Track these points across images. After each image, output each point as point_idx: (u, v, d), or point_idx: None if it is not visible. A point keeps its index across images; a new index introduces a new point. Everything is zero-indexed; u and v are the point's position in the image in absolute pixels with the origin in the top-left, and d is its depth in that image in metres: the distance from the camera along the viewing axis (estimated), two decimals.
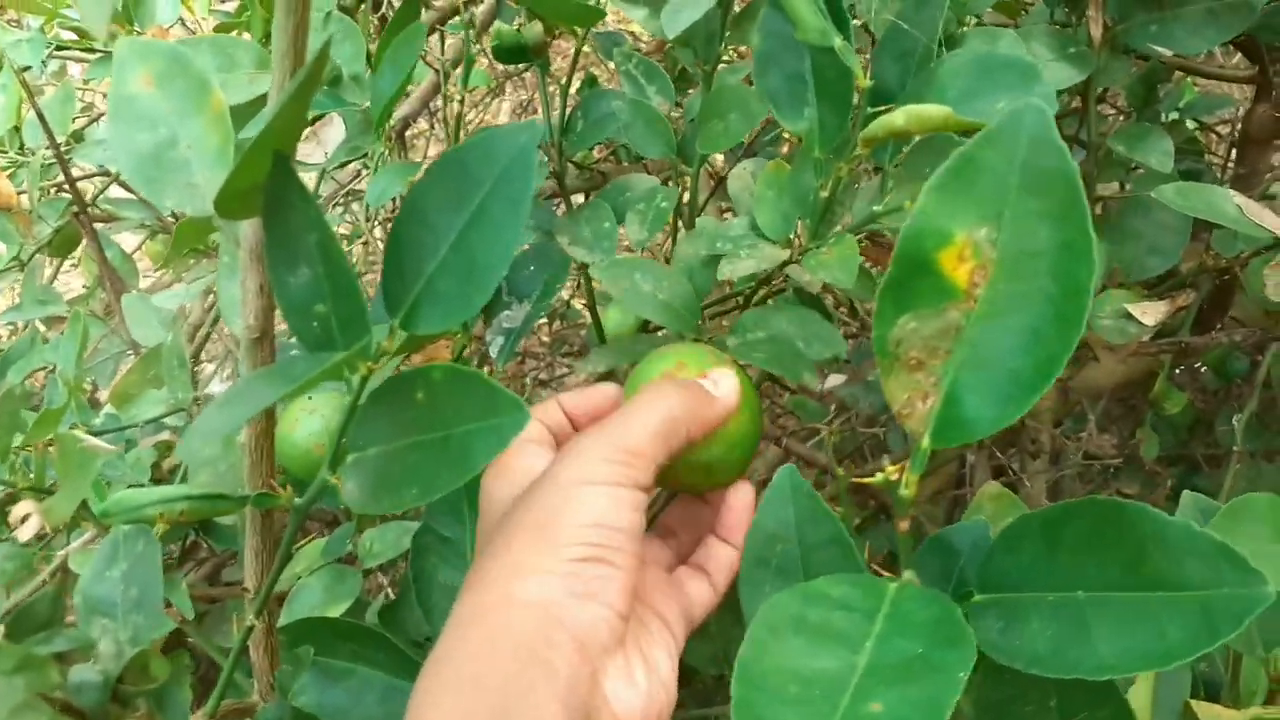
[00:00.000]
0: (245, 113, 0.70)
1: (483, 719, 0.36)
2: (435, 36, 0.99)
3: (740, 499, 0.50)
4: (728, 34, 0.75)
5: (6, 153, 1.08)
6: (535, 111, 2.14)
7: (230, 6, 1.39)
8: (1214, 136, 1.31)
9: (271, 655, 0.53)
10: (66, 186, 1.03)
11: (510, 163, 0.39)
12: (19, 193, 1.03)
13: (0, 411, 0.63)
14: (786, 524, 0.46)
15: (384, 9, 1.04)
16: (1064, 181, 0.35)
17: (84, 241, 1.09)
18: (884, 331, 0.38)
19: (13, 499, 0.66)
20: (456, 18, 1.05)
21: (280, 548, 0.48)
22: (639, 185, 0.75)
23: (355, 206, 1.46)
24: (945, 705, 0.32)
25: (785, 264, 0.60)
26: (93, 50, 1.18)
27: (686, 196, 0.77)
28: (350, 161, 0.76)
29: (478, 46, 0.96)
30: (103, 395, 1.20)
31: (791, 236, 0.61)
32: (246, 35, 1.05)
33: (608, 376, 0.75)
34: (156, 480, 0.76)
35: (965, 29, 0.68)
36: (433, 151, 2.04)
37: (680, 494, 0.54)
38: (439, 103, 1.14)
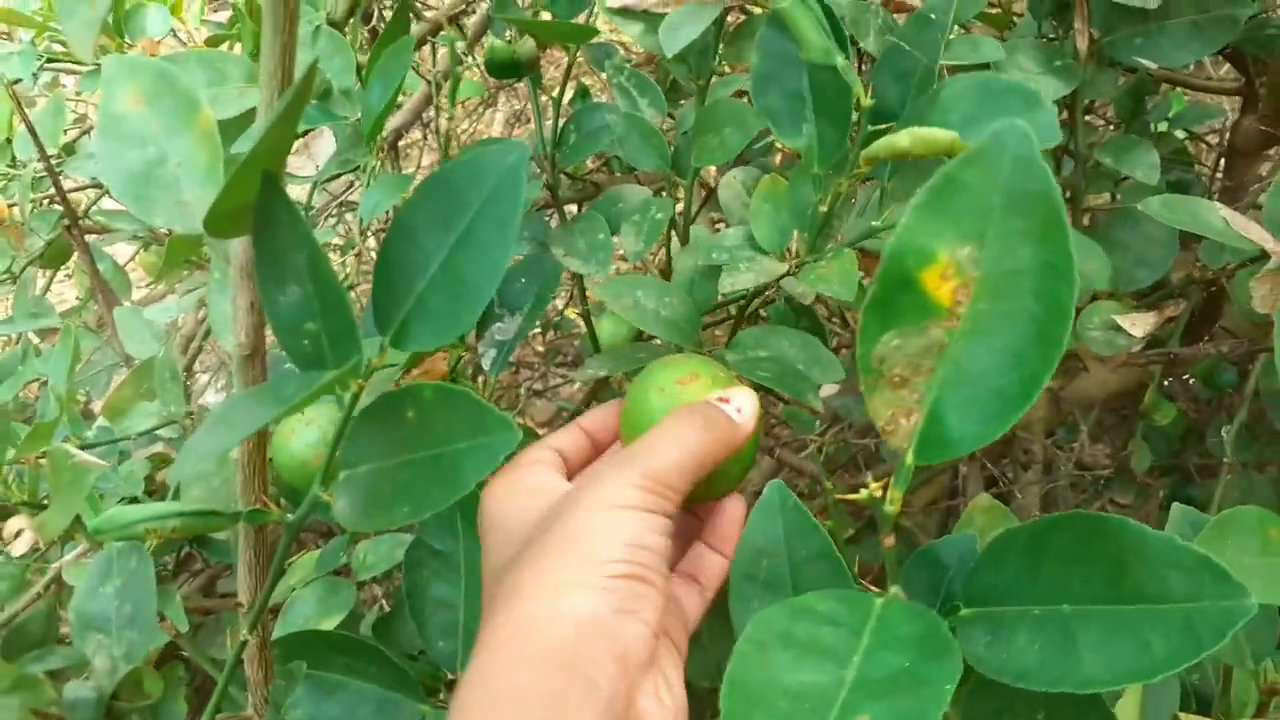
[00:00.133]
0: (235, 126, 0.70)
1: None
2: (427, 48, 1.00)
3: (734, 509, 0.51)
4: (721, 49, 0.75)
5: None
6: (529, 121, 2.14)
7: (222, 17, 1.40)
8: (1204, 146, 1.31)
9: (266, 669, 0.53)
10: (58, 199, 1.03)
11: (498, 182, 0.39)
12: (10, 205, 1.03)
13: None
14: (775, 539, 0.46)
15: (374, 22, 1.04)
16: (1046, 202, 0.35)
17: (76, 254, 1.09)
18: (868, 348, 0.38)
19: (6, 513, 0.66)
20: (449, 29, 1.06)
21: (274, 563, 0.49)
22: (632, 196, 0.76)
23: (349, 217, 1.47)
24: (932, 718, 0.32)
25: (783, 277, 0.61)
26: (84, 62, 1.18)
27: (678, 207, 0.78)
28: (342, 174, 0.77)
29: (469, 57, 0.96)
30: (96, 406, 1.20)
31: (787, 249, 0.62)
32: (238, 47, 1.05)
33: (605, 382, 0.76)
34: (150, 493, 0.76)
35: (950, 38, 0.69)
36: (427, 161, 2.04)
37: None
38: (432, 112, 1.15)
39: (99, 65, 1.11)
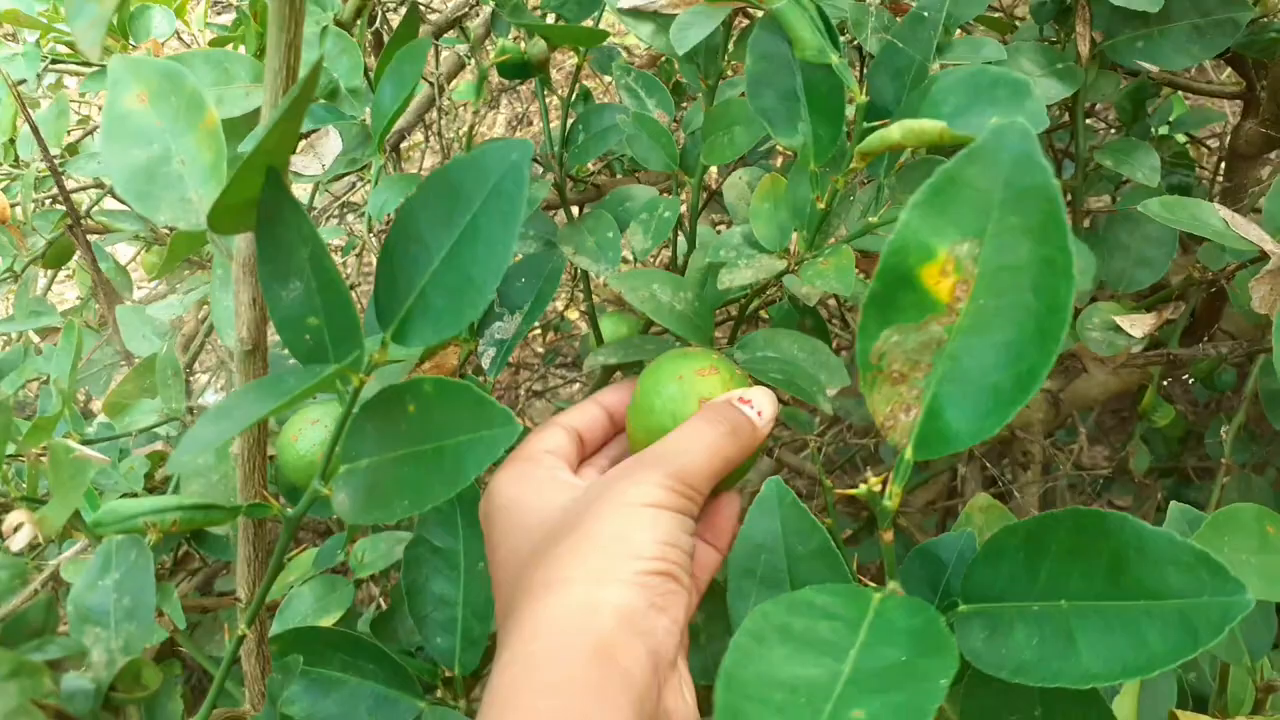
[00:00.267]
0: (241, 126, 0.70)
1: None
2: (429, 51, 1.00)
3: (729, 506, 0.51)
4: (730, 49, 0.76)
5: (1, 165, 1.09)
6: (530, 124, 2.15)
7: (226, 19, 1.40)
8: (1204, 150, 1.32)
9: (263, 664, 0.53)
10: (60, 198, 1.03)
11: (502, 179, 0.39)
12: (13, 204, 1.04)
13: None
14: (773, 535, 0.46)
15: (378, 24, 1.04)
16: (1046, 198, 0.35)
17: (78, 252, 1.09)
18: (867, 345, 0.38)
19: (5, 508, 0.67)
20: (451, 32, 1.06)
21: (273, 557, 0.49)
22: (639, 195, 0.76)
23: (350, 218, 1.47)
24: (927, 712, 0.32)
25: (782, 274, 0.61)
26: (88, 64, 1.19)
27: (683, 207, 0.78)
28: (347, 174, 0.77)
29: (470, 60, 0.96)
30: (96, 406, 1.20)
31: (788, 247, 0.62)
32: (241, 50, 1.05)
33: (607, 378, 0.76)
34: (150, 490, 0.76)
35: (952, 40, 0.69)
36: (429, 163, 2.05)
37: None
38: (433, 115, 1.15)
39: (103, 67, 1.11)
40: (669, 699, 0.40)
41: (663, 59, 1.42)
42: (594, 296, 0.82)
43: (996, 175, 0.36)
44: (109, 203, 1.17)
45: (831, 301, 1.14)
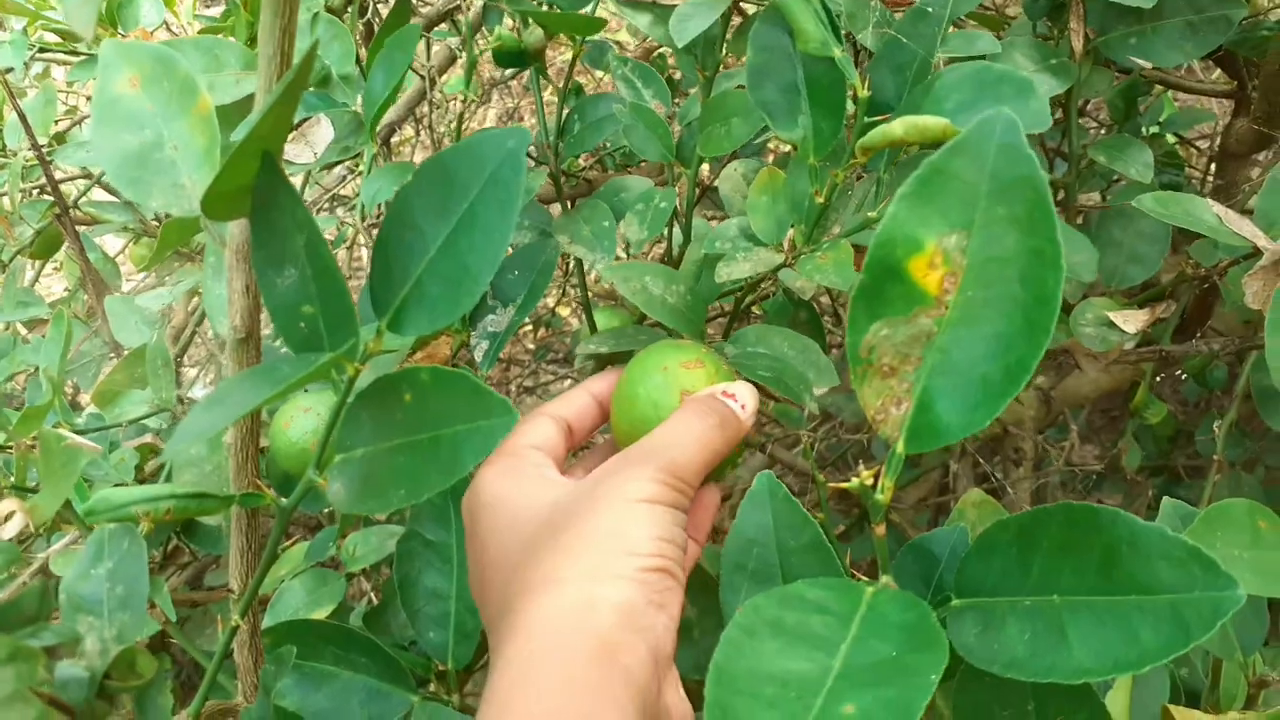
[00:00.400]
0: (232, 113, 0.70)
1: None
2: (421, 43, 1.00)
3: (709, 498, 0.51)
4: (728, 40, 0.76)
5: None
6: (521, 119, 2.14)
7: (215, 12, 1.39)
8: (1194, 151, 1.32)
9: (256, 656, 0.53)
10: (48, 188, 1.03)
11: (499, 167, 0.39)
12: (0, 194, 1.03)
13: None
14: (764, 529, 0.46)
15: (369, 14, 1.04)
16: (1032, 189, 0.35)
17: (66, 244, 1.09)
18: (857, 338, 0.38)
19: None
20: (444, 24, 1.06)
21: (267, 547, 0.48)
22: (634, 186, 0.76)
23: (339, 211, 1.46)
24: (917, 707, 0.32)
25: (779, 268, 0.61)
26: (76, 52, 1.18)
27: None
28: (338, 164, 0.77)
29: (460, 52, 0.96)
30: (84, 399, 1.19)
31: (784, 241, 0.62)
32: (231, 40, 1.05)
33: (600, 368, 0.76)
34: (140, 482, 0.76)
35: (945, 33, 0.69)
36: (419, 158, 2.04)
37: None
38: (424, 108, 1.14)
39: (91, 55, 1.11)
40: (668, 696, 0.40)
41: (655, 54, 1.42)
42: (591, 286, 0.82)
43: (983, 166, 0.36)
44: (97, 194, 1.17)
45: (825, 298, 1.14)
